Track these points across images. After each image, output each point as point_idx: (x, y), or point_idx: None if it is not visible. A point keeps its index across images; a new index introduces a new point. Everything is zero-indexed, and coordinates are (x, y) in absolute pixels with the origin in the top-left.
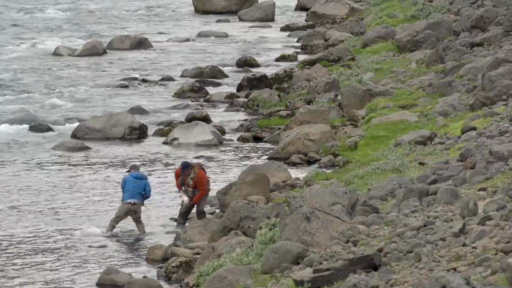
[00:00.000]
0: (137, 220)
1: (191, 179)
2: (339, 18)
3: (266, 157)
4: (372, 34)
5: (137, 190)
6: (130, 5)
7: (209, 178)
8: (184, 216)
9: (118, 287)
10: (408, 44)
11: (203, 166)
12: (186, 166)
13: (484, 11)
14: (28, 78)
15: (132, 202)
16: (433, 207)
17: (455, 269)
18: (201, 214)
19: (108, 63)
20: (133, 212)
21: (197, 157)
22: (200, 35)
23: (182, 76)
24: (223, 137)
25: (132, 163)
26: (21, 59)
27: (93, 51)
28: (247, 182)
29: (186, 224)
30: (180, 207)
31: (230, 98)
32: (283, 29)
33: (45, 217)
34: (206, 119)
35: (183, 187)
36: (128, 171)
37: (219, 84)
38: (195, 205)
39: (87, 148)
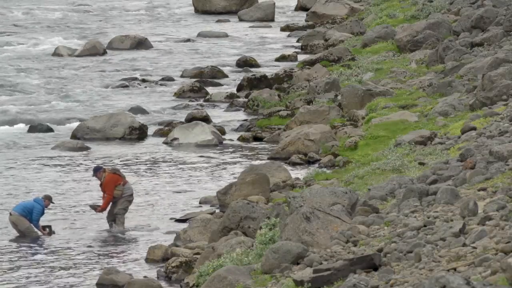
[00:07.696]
0: (21, 234)
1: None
2: (339, 18)
3: (266, 157)
4: (372, 34)
5: (24, 205)
6: (130, 5)
7: (126, 182)
8: (109, 214)
9: (118, 287)
10: (408, 44)
11: (117, 171)
12: (95, 170)
13: (484, 11)
14: (28, 78)
15: (11, 213)
16: (433, 207)
17: (455, 269)
18: (116, 215)
19: (108, 63)
20: (14, 224)
21: (197, 157)
22: (200, 35)
23: (182, 76)
24: (223, 137)
25: (47, 194)
26: (21, 59)
27: (93, 51)
28: (247, 182)
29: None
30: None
31: (230, 98)
32: (283, 29)
33: (44, 217)
34: (206, 119)
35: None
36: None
37: (219, 84)
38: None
39: (87, 148)
